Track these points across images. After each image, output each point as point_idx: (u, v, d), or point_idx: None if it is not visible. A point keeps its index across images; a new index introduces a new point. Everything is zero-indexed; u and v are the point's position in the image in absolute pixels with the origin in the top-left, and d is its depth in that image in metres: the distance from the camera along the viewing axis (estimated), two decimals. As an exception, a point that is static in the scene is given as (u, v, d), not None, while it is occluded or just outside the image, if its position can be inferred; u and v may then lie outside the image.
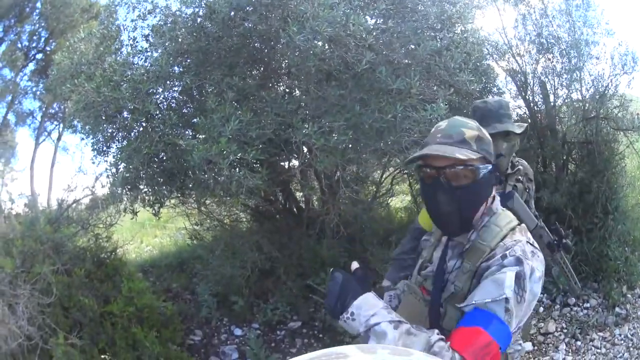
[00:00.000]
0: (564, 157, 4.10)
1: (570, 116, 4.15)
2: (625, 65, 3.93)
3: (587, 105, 4.05)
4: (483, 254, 1.16)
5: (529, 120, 3.89)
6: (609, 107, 3.98)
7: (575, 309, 3.64)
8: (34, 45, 7.71)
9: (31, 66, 8.01)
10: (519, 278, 1.08)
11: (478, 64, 3.15)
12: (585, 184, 3.86)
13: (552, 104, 3.97)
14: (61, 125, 8.56)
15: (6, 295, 3.07)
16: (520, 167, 2.19)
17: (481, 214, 1.24)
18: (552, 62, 4.10)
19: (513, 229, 1.22)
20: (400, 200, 4.59)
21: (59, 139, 9.10)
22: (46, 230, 3.46)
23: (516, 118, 3.67)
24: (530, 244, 1.19)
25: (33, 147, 8.56)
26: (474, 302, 1.07)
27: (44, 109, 8.33)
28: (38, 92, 8.08)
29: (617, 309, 3.52)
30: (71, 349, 3.06)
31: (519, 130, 2.04)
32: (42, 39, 7.67)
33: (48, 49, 7.75)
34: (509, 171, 2.14)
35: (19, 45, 7.60)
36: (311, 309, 3.13)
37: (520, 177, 2.17)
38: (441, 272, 1.25)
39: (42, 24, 7.53)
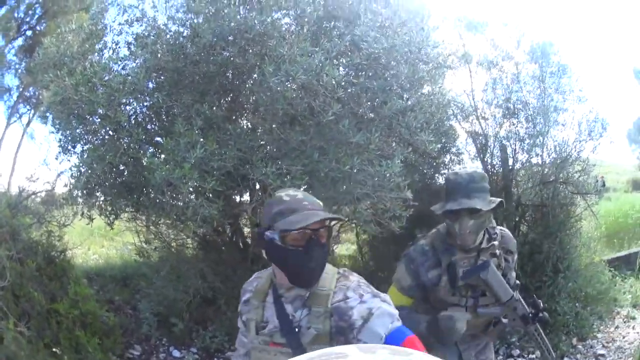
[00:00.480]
0: (517, 219, 4.27)
1: (527, 180, 4.33)
2: (592, 132, 4.14)
3: (546, 169, 4.24)
4: (328, 297, 1.35)
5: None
6: (570, 172, 4.18)
7: (519, 359, 3.84)
8: (27, 19, 7.56)
9: (20, 41, 7.86)
10: (387, 302, 1.36)
11: (440, 124, 3.32)
12: (537, 244, 4.01)
13: (510, 167, 4.17)
14: (32, 110, 8.40)
15: None
16: (494, 242, 2.06)
17: None
18: (517, 126, 4.31)
19: (339, 272, 1.44)
20: (345, 248, 4.72)
21: (28, 124, 8.90)
22: (5, 214, 3.46)
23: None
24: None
25: (4, 126, 8.35)
26: (382, 333, 1.28)
27: (21, 89, 8.15)
28: (20, 71, 7.91)
29: (565, 359, 3.72)
30: (20, 336, 3.07)
31: (486, 208, 1.89)
32: (36, 15, 7.53)
33: (38, 28, 7.61)
34: (483, 245, 2.02)
35: (15, 15, 7.43)
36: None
37: (496, 251, 2.05)
38: (288, 323, 1.38)
39: (40, 0, 7.40)
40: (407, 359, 0.49)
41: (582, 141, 4.29)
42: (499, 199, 2.00)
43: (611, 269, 4.63)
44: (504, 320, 2.06)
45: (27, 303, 3.24)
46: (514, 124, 4.30)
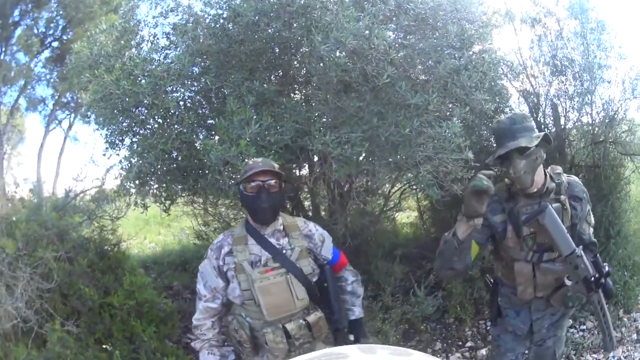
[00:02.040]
0: (572, 180, 4.13)
1: (579, 139, 4.17)
2: (635, 90, 3.96)
3: (596, 129, 4.08)
4: (297, 225, 2.01)
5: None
6: (618, 132, 4.01)
7: (571, 330, 3.67)
8: (50, 32, 7.74)
9: (46, 53, 8.05)
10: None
11: (493, 83, 3.17)
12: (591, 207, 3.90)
13: (562, 126, 4.00)
14: (72, 114, 8.59)
15: (5, 276, 3.08)
16: (558, 182, 2.00)
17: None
18: (565, 84, 4.13)
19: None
20: (407, 216, 4.62)
21: (69, 128, 9.13)
22: (52, 217, 3.48)
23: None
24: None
25: (42, 134, 8.58)
26: (332, 248, 2.05)
27: (56, 97, 8.34)
28: (52, 80, 8.09)
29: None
30: (66, 335, 3.07)
31: (532, 144, 1.89)
32: (60, 27, 7.68)
33: (65, 37, 7.77)
34: (543, 191, 1.96)
35: (35, 31, 7.62)
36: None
37: (560, 196, 1.99)
38: (277, 250, 1.90)
39: (60, 12, 7.55)
40: (407, 359, 0.51)
41: (627, 99, 4.12)
42: (542, 133, 1.98)
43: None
44: (567, 283, 1.93)
45: (78, 300, 3.27)
46: (562, 82, 4.12)
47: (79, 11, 7.10)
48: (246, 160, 2.34)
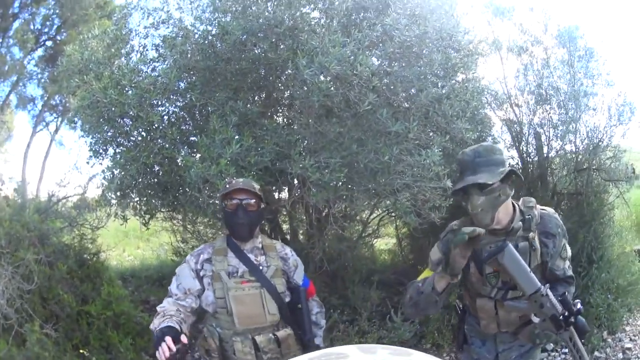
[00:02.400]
0: (553, 208, 4.17)
1: (562, 167, 4.22)
2: (621, 116, 4.01)
3: (580, 156, 4.12)
4: (275, 247, 2.12)
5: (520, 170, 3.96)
6: (602, 159, 4.04)
7: (552, 354, 3.71)
8: (46, 30, 7.70)
9: (40, 51, 8.00)
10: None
11: (475, 112, 3.22)
12: (572, 234, 3.88)
13: (545, 155, 4.05)
14: (60, 118, 8.53)
15: None
16: (528, 217, 1.90)
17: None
18: (550, 113, 4.19)
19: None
20: (385, 243, 4.65)
21: (56, 131, 9.07)
22: (34, 219, 3.47)
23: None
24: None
25: (30, 134, 8.52)
26: (303, 275, 2.13)
27: (46, 98, 8.29)
28: (43, 80, 8.05)
29: (596, 353, 3.60)
30: (45, 338, 3.06)
31: (492, 180, 1.75)
32: (55, 26, 7.66)
33: (59, 37, 7.74)
34: (514, 226, 1.87)
35: (32, 27, 7.57)
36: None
37: (530, 234, 1.89)
38: (254, 265, 2.00)
39: (57, 11, 7.52)
40: (407, 359, 0.51)
41: (613, 126, 4.16)
42: (508, 168, 1.82)
43: (641, 259, 4.45)
44: (534, 320, 1.82)
45: (56, 305, 3.26)
46: (546, 111, 4.18)
47: (74, 12, 7.09)
48: (227, 179, 2.37)
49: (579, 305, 1.77)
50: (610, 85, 4.20)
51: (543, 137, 4.13)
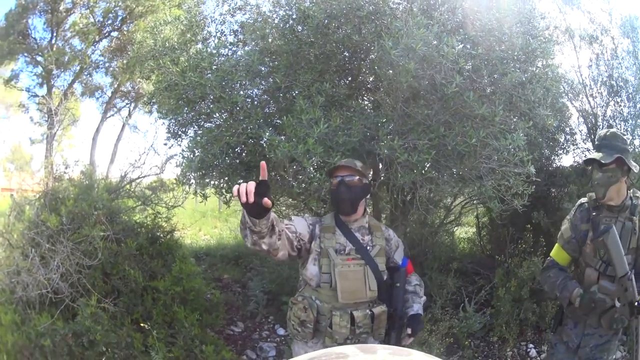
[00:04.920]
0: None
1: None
2: None
3: (648, 154, 3.99)
4: (380, 227, 2.20)
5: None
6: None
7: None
8: (109, 22, 7.97)
9: (105, 42, 8.30)
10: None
11: (555, 100, 3.14)
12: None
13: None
14: (133, 103, 8.81)
15: (42, 248, 3.17)
16: (635, 203, 2.14)
17: (364, 205, 2.18)
18: (620, 106, 4.06)
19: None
20: (464, 231, 4.62)
21: (128, 116, 9.40)
22: (103, 198, 3.57)
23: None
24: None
25: (99, 120, 8.84)
26: (402, 258, 2.20)
27: (116, 85, 8.58)
28: (111, 69, 8.33)
29: None
30: (101, 312, 3.11)
31: (605, 160, 2.07)
32: (119, 18, 7.91)
33: (125, 28, 7.99)
34: (615, 203, 2.13)
35: (92, 20, 7.84)
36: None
37: (634, 216, 2.12)
38: (360, 244, 2.08)
39: (119, 4, 7.78)
40: (407, 359, 0.52)
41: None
42: (617, 155, 2.08)
43: None
44: (617, 304, 1.99)
45: (120, 280, 3.35)
46: (617, 103, 4.04)
47: (139, 4, 7.31)
48: (312, 158, 2.37)
49: None
50: (676, 79, 4.07)
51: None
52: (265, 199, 1.57)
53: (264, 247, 1.78)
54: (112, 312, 3.18)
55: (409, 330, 2.08)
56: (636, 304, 1.91)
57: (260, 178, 1.65)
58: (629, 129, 4.04)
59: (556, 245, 2.34)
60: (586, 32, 4.12)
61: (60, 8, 8.11)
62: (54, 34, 8.33)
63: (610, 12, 4.24)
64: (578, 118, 3.83)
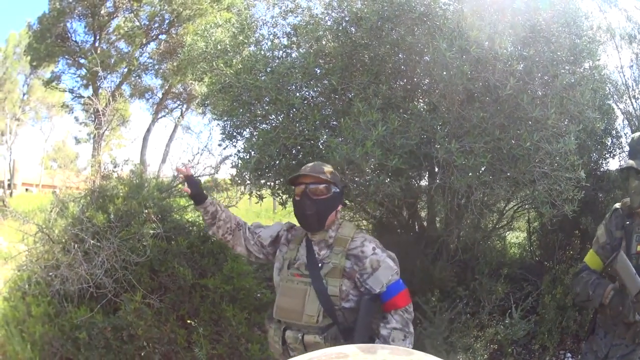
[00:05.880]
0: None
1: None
2: None
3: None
4: (347, 241, 1.83)
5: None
6: None
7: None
8: (155, 25, 8.18)
9: (152, 45, 8.55)
10: (392, 259, 1.85)
11: (602, 103, 3.15)
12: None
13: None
14: (184, 105, 9.06)
15: (85, 244, 3.23)
16: None
17: (333, 218, 1.89)
18: (660, 107, 4.01)
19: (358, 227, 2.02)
20: (515, 236, 4.63)
21: (180, 117, 9.66)
22: (154, 196, 3.67)
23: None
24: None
25: (149, 121, 9.09)
26: (384, 282, 1.78)
27: (166, 87, 8.81)
28: (160, 71, 8.56)
29: None
30: (145, 307, 3.17)
31: None
32: (166, 21, 8.11)
33: (173, 31, 8.20)
34: None
35: (137, 24, 8.06)
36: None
37: None
38: (314, 259, 1.83)
39: (165, 8, 7.97)
40: (407, 358, 0.51)
41: None
42: None
43: None
44: (637, 317, 1.99)
45: (168, 277, 3.37)
46: (657, 106, 3.99)
47: (186, 7, 7.47)
48: (370, 160, 2.44)
49: None
50: None
51: (655, 134, 3.95)
52: (184, 187, 2.00)
53: (213, 235, 2.05)
54: (157, 308, 3.24)
55: None
56: None
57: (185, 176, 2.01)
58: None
59: (590, 250, 2.25)
60: (625, 31, 4.10)
61: (102, 12, 8.35)
62: (97, 37, 8.60)
63: (643, 10, 4.20)
64: (623, 120, 3.81)
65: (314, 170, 1.86)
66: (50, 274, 3.30)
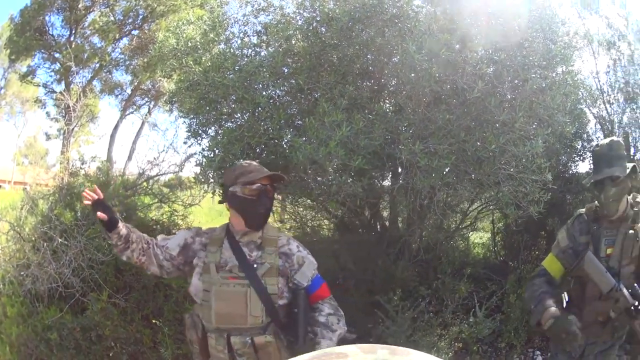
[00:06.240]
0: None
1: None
2: None
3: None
4: (276, 241, 1.89)
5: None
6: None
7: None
8: (129, 21, 8.06)
9: (125, 40, 8.40)
10: (311, 255, 1.95)
11: (573, 107, 3.16)
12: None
13: (632, 157, 3.91)
14: (152, 102, 8.94)
15: (54, 242, 3.18)
16: (636, 210, 2.06)
17: None
18: (636, 112, 4.06)
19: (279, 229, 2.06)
20: (479, 237, 4.64)
21: (147, 114, 9.51)
22: (120, 194, 3.60)
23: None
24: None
25: (117, 117, 8.94)
26: (309, 276, 1.89)
27: (136, 83, 8.68)
28: (131, 67, 8.43)
29: None
30: (111, 307, 3.13)
31: (624, 173, 1.99)
32: (140, 17, 8.00)
33: (146, 27, 8.09)
34: (623, 217, 2.05)
35: (112, 18, 7.94)
36: (370, 324, 3.20)
37: (637, 224, 2.05)
38: (246, 261, 1.83)
39: (140, 3, 7.86)
40: (407, 358, 0.52)
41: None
42: (632, 164, 2.04)
43: None
44: (611, 314, 2.01)
45: (132, 276, 3.34)
46: (634, 110, 4.03)
47: (160, 3, 7.37)
48: (334, 161, 2.40)
49: None
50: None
51: (630, 138, 3.99)
52: (100, 213, 1.80)
53: (128, 260, 1.89)
54: (123, 308, 3.20)
55: None
56: (632, 308, 1.93)
57: (96, 200, 1.84)
58: (644, 136, 4.04)
59: (550, 255, 2.23)
60: (604, 37, 4.13)
61: (79, 6, 8.22)
62: (73, 32, 8.45)
63: (627, 17, 4.24)
64: (595, 124, 3.85)
65: (267, 171, 1.91)
66: (22, 273, 3.26)
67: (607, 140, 2.16)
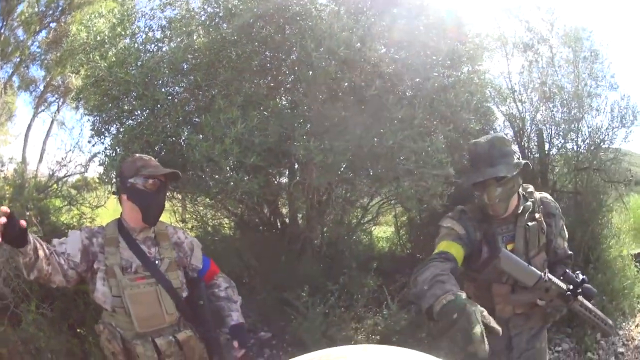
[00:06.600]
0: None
1: (562, 166, 4.23)
2: (624, 119, 4.02)
3: (580, 156, 4.12)
4: (167, 235, 1.89)
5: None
6: (603, 160, 4.08)
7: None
8: (50, 12, 7.64)
9: (43, 33, 7.97)
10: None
11: (479, 105, 3.24)
12: (570, 232, 3.89)
13: (546, 152, 4.07)
14: (61, 98, 8.51)
15: None
16: (532, 200, 1.96)
17: None
18: (552, 111, 4.22)
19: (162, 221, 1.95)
20: (383, 231, 4.66)
21: (57, 112, 9.04)
22: (34, 198, 3.44)
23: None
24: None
25: (31, 115, 8.47)
26: (201, 257, 1.96)
27: (48, 79, 8.26)
28: (46, 61, 8.02)
29: (588, 354, 3.59)
30: (41, 318, 3.02)
31: (511, 173, 1.80)
32: (59, 8, 7.61)
33: (63, 20, 7.71)
34: (518, 212, 1.92)
35: (36, 10, 7.52)
36: (282, 322, 3.17)
37: (535, 214, 1.95)
38: (147, 258, 1.79)
39: None
40: (405, 357, 0.55)
41: (615, 128, 4.17)
42: (523, 161, 1.86)
43: (637, 263, 4.43)
44: (540, 303, 1.89)
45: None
46: (549, 109, 4.20)
47: None
48: (229, 158, 2.36)
49: (581, 276, 1.86)
50: (614, 88, 4.22)
51: (545, 134, 4.15)
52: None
53: (37, 274, 1.63)
54: (51, 318, 3.02)
55: (235, 344, 1.85)
56: (567, 292, 1.82)
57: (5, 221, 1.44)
58: (561, 133, 4.20)
59: (443, 242, 1.89)
60: (521, 40, 4.27)
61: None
62: (4, 23, 7.96)
63: (553, 22, 4.41)
64: (504, 122, 3.96)
65: (164, 168, 1.89)
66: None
67: (488, 137, 1.96)
